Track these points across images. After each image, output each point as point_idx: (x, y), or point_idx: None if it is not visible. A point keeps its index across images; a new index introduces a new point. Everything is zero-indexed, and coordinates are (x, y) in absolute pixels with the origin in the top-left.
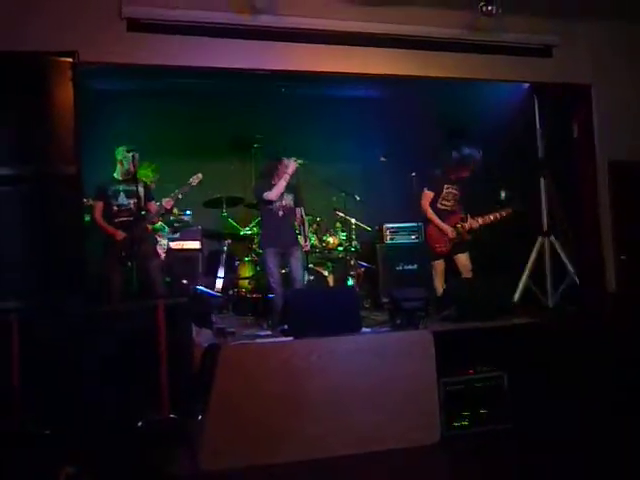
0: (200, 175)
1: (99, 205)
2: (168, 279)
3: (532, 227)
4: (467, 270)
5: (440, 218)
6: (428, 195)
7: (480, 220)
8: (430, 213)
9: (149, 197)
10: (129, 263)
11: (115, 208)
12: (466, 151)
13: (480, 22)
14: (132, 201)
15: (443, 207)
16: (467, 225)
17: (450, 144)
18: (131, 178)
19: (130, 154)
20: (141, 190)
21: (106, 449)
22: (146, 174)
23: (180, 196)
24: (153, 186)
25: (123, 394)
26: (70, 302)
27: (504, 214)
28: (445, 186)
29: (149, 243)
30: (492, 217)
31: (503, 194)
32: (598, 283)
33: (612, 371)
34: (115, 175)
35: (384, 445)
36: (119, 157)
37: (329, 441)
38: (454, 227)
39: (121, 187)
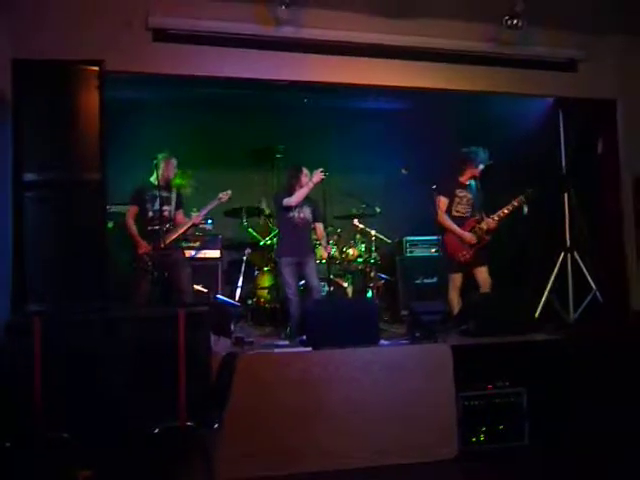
0: (230, 192)
1: (133, 209)
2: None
3: (555, 242)
4: (487, 285)
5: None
6: (443, 202)
7: (496, 217)
8: (447, 221)
9: (179, 205)
10: (154, 273)
11: (150, 214)
12: (472, 148)
13: (505, 35)
14: (165, 208)
15: (458, 214)
16: (484, 225)
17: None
18: (166, 184)
19: (169, 160)
20: (174, 197)
21: (122, 455)
22: (181, 183)
23: (208, 211)
24: (188, 192)
25: (141, 400)
26: (91, 307)
27: (516, 204)
28: (457, 190)
29: (179, 253)
30: (506, 210)
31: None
32: (621, 300)
33: (633, 391)
34: (152, 180)
35: (400, 459)
36: (157, 162)
37: (346, 453)
38: (472, 231)
39: (157, 193)
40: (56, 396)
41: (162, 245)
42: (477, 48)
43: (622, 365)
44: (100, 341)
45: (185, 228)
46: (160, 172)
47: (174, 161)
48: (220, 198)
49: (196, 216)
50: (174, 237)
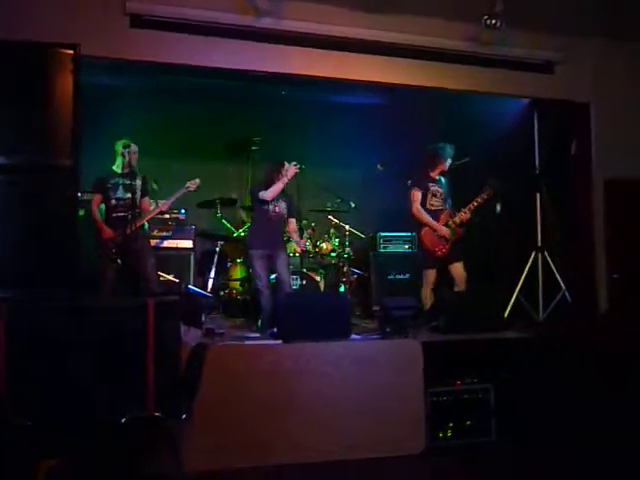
0: (198, 180)
1: (96, 198)
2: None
3: (526, 242)
4: (462, 280)
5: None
6: (417, 195)
7: (467, 211)
8: (423, 214)
9: (144, 192)
10: (119, 260)
11: (113, 201)
12: (440, 144)
13: (484, 35)
14: (130, 195)
15: (432, 208)
16: (457, 219)
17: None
18: (130, 171)
19: (129, 147)
20: (139, 184)
21: (88, 444)
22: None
23: (175, 199)
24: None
25: (108, 389)
26: (59, 295)
27: (485, 196)
28: (430, 184)
29: (144, 241)
30: (475, 203)
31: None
32: (590, 300)
33: (598, 389)
34: (115, 168)
35: (370, 453)
36: (119, 150)
37: (316, 446)
38: (446, 225)
39: (121, 180)
40: (21, 383)
41: (127, 232)
42: (457, 47)
43: (590, 365)
44: (68, 329)
45: (151, 215)
46: (123, 159)
47: (135, 147)
48: (188, 187)
49: (163, 203)
50: (139, 224)
